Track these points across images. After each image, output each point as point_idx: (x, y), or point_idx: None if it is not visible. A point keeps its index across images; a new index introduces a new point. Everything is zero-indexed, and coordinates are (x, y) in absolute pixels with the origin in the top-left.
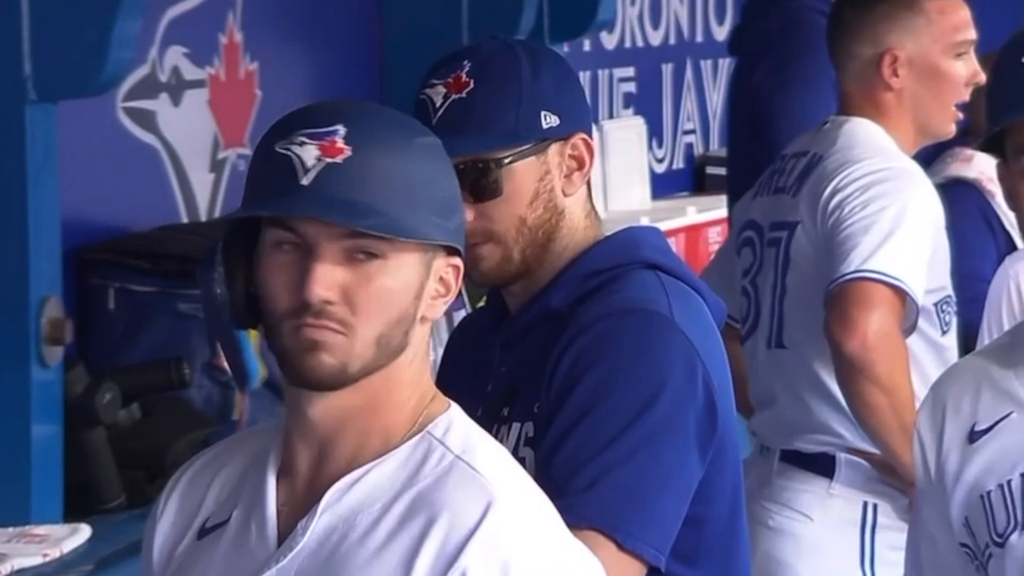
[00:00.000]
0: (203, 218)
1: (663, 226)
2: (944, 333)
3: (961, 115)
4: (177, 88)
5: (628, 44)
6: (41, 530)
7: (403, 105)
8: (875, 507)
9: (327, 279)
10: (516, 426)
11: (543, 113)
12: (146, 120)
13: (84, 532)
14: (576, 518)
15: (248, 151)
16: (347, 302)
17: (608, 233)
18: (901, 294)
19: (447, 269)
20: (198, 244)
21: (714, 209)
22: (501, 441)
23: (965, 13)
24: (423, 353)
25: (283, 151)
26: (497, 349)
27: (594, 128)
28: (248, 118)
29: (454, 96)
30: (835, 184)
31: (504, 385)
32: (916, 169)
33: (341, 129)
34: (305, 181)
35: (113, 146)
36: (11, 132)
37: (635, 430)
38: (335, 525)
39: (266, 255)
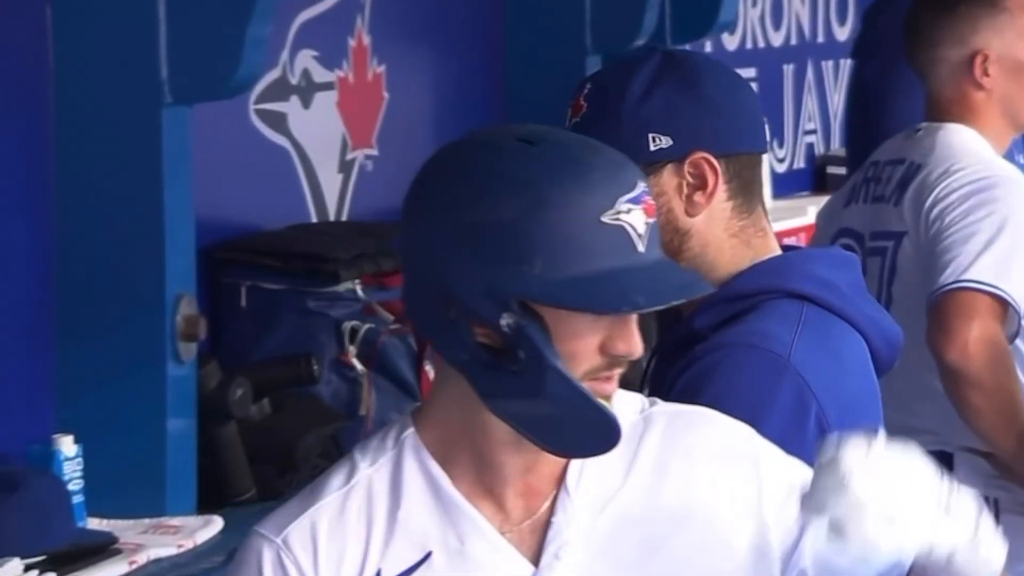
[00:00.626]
0: (332, 218)
1: (783, 225)
2: None
3: None
4: (307, 90)
5: (749, 45)
6: (175, 521)
7: (524, 105)
8: (995, 501)
9: None
10: None
11: (651, 136)
12: (277, 122)
13: (216, 524)
14: None
15: (376, 152)
16: None
17: (772, 255)
18: (1002, 302)
19: None
20: (327, 243)
21: None
22: None
23: None
24: None
25: (615, 222)
26: (655, 363)
27: None
28: (376, 120)
29: (574, 120)
30: (936, 193)
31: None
32: (1016, 174)
33: (643, 185)
34: (641, 248)
35: (245, 147)
36: (148, 134)
37: None
38: (595, 507)
39: (569, 318)
